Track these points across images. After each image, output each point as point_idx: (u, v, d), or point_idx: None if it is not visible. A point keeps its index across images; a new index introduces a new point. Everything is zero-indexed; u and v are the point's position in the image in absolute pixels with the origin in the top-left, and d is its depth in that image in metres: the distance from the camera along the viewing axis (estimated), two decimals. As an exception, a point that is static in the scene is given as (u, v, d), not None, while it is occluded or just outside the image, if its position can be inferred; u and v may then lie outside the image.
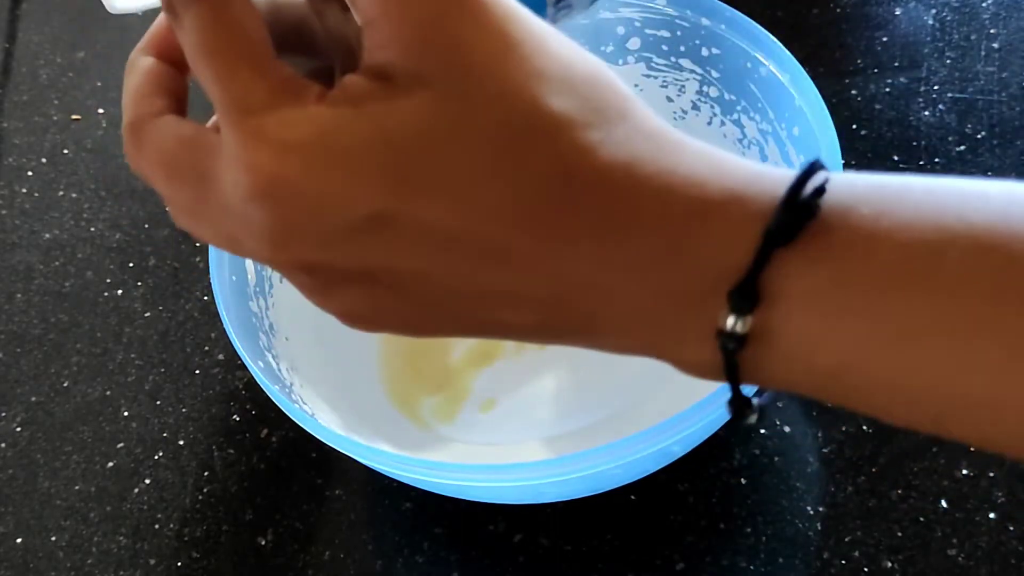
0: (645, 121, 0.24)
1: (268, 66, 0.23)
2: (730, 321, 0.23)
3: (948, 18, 0.62)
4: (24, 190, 0.68)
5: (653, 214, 0.23)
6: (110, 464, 0.53)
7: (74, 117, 0.71)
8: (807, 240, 0.22)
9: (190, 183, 0.24)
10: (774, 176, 0.24)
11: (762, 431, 0.48)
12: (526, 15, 0.23)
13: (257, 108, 0.23)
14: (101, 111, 0.71)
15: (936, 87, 0.59)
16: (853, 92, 0.59)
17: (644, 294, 0.24)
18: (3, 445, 0.55)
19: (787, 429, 0.48)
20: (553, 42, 0.23)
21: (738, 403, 0.26)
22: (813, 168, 0.23)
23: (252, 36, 0.23)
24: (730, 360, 0.24)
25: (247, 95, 0.23)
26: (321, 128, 0.22)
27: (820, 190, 0.23)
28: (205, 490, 0.51)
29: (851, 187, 0.23)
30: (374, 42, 0.23)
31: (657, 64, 0.53)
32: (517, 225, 0.23)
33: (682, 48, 0.52)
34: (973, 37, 0.60)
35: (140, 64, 0.27)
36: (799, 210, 0.22)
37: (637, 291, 0.24)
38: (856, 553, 0.44)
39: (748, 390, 0.26)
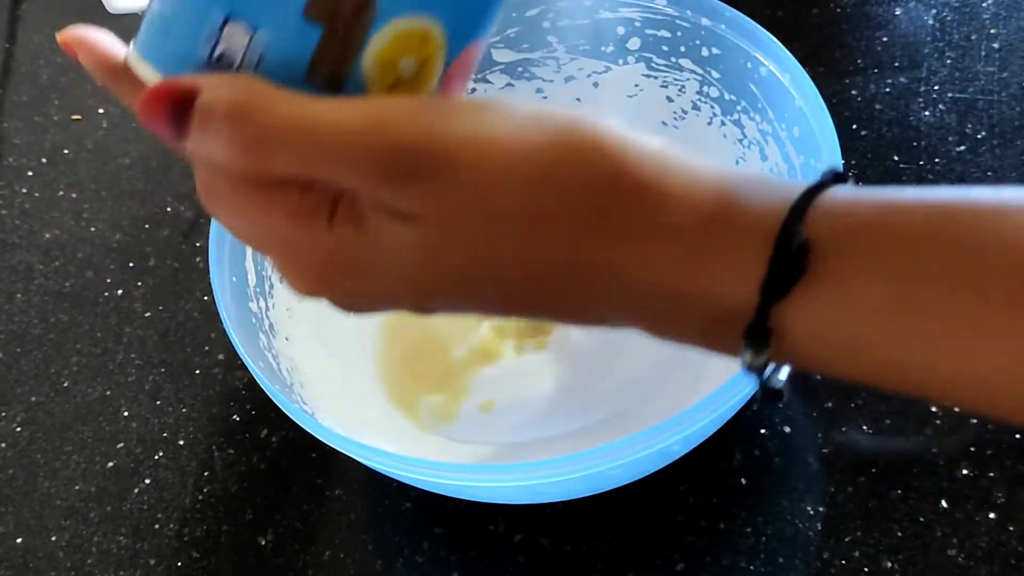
0: (633, 174, 0.25)
1: (278, 199, 0.26)
2: (748, 356, 0.26)
3: (948, 18, 0.62)
4: (24, 190, 0.68)
5: (655, 273, 0.25)
6: (110, 464, 0.53)
7: (74, 117, 0.71)
8: (801, 288, 0.25)
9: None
10: (764, 223, 0.25)
11: (762, 431, 0.48)
12: (489, 132, 0.25)
13: (280, 239, 0.27)
14: (101, 111, 0.71)
15: (936, 87, 0.59)
16: (853, 92, 0.59)
17: (666, 331, 0.27)
18: (3, 445, 0.55)
19: (787, 429, 0.48)
20: (518, 151, 0.25)
21: (766, 396, 0.29)
22: (796, 215, 0.25)
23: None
24: (756, 374, 0.27)
25: (269, 227, 0.27)
26: (333, 250, 0.26)
27: (804, 248, 0.24)
28: (205, 490, 0.51)
29: (831, 221, 0.25)
30: (360, 180, 0.25)
31: (657, 64, 0.53)
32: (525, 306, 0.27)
33: (682, 48, 0.52)
34: (973, 37, 0.61)
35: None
36: (790, 268, 0.25)
37: (658, 331, 0.27)
38: (856, 553, 0.44)
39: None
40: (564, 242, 0.25)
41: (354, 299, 0.28)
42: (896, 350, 0.24)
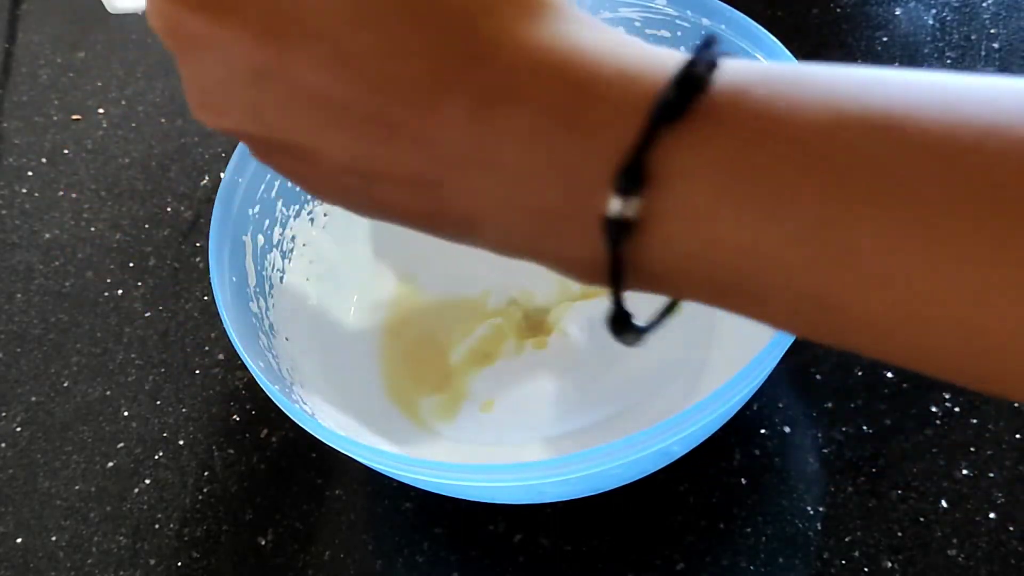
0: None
1: None
2: (616, 204, 0.21)
3: (948, 18, 0.62)
4: (24, 190, 0.68)
5: (538, 86, 0.22)
6: (110, 464, 0.53)
7: (74, 117, 0.71)
8: (696, 119, 0.21)
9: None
10: (670, 57, 0.22)
11: (762, 431, 0.48)
12: None
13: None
14: (101, 111, 0.71)
15: (936, 87, 0.59)
16: (853, 92, 0.59)
17: (524, 173, 0.23)
18: (3, 445, 0.55)
19: (787, 429, 0.48)
20: None
21: (619, 313, 0.24)
22: (708, 44, 0.22)
23: None
24: (615, 251, 0.22)
25: None
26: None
27: (711, 66, 0.22)
28: (205, 490, 0.51)
29: (747, 69, 0.22)
30: None
31: (657, 64, 0.53)
32: (401, 98, 0.23)
33: (682, 48, 0.52)
34: (973, 37, 0.61)
35: None
36: (688, 86, 0.21)
37: (516, 168, 0.23)
38: (856, 553, 0.44)
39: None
40: None
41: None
42: (788, 238, 0.20)
